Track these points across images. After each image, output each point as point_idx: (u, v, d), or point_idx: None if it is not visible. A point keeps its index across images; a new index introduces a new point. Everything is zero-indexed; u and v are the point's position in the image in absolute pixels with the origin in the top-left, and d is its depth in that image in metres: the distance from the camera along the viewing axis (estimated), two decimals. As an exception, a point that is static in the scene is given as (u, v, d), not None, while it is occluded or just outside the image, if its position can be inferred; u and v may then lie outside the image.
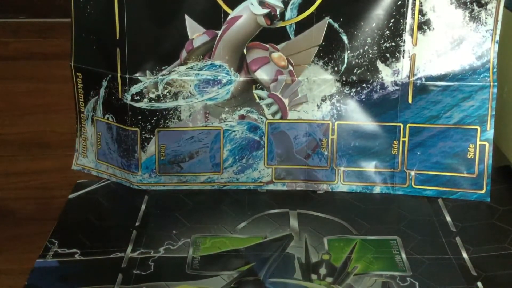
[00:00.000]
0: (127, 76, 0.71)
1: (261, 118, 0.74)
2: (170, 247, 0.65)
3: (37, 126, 0.89)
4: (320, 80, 0.73)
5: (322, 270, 0.61)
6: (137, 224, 0.68)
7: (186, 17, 0.70)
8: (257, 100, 0.74)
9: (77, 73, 0.75)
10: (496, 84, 0.70)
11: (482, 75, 0.71)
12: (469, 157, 0.72)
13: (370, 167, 0.74)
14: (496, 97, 0.71)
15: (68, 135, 0.83)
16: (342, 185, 0.75)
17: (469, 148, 0.72)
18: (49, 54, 1.10)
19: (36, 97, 0.95)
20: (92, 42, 0.73)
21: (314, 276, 0.61)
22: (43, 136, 0.87)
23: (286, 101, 0.74)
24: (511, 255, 0.63)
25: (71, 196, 0.74)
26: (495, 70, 0.70)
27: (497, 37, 0.70)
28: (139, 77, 0.71)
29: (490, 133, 0.71)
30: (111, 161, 0.76)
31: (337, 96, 0.73)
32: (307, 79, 0.73)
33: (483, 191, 0.72)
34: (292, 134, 0.75)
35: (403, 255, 0.63)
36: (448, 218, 0.70)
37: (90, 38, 0.73)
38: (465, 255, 0.63)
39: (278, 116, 0.74)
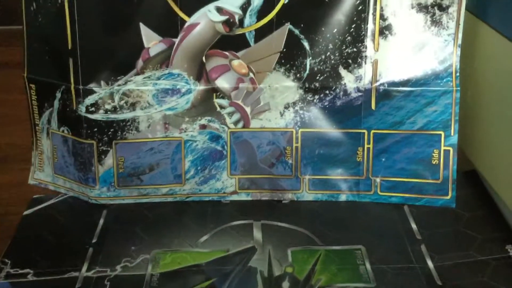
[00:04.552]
0: (80, 87, 0.69)
1: (223, 128, 0.72)
2: (128, 264, 0.62)
3: (-7, 139, 0.86)
4: (282, 87, 0.71)
5: (285, 284, 0.60)
6: (94, 240, 0.66)
7: (141, 25, 0.68)
8: (218, 109, 0.72)
9: (31, 85, 0.73)
10: (459, 88, 0.70)
11: (445, 80, 0.70)
12: (434, 163, 0.71)
13: (335, 175, 0.73)
14: (460, 101, 0.70)
15: (26, 148, 0.80)
16: (307, 194, 0.74)
17: (433, 154, 0.71)
18: (12, 63, 1.06)
19: (-7, 109, 0.92)
20: (44, 52, 0.70)
21: (276, 291, 0.59)
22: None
23: (248, 109, 0.72)
24: (477, 263, 0.62)
25: (26, 212, 0.71)
26: (457, 74, 0.69)
27: (459, 41, 0.69)
28: (93, 88, 0.69)
29: (454, 138, 0.70)
30: (68, 175, 0.73)
31: (300, 103, 0.72)
32: (269, 86, 0.71)
33: (448, 197, 0.71)
34: (255, 143, 0.73)
35: (368, 265, 0.62)
36: (414, 226, 0.68)
37: (42, 48, 0.70)
38: (430, 263, 0.62)
39: (240, 124, 0.72)
